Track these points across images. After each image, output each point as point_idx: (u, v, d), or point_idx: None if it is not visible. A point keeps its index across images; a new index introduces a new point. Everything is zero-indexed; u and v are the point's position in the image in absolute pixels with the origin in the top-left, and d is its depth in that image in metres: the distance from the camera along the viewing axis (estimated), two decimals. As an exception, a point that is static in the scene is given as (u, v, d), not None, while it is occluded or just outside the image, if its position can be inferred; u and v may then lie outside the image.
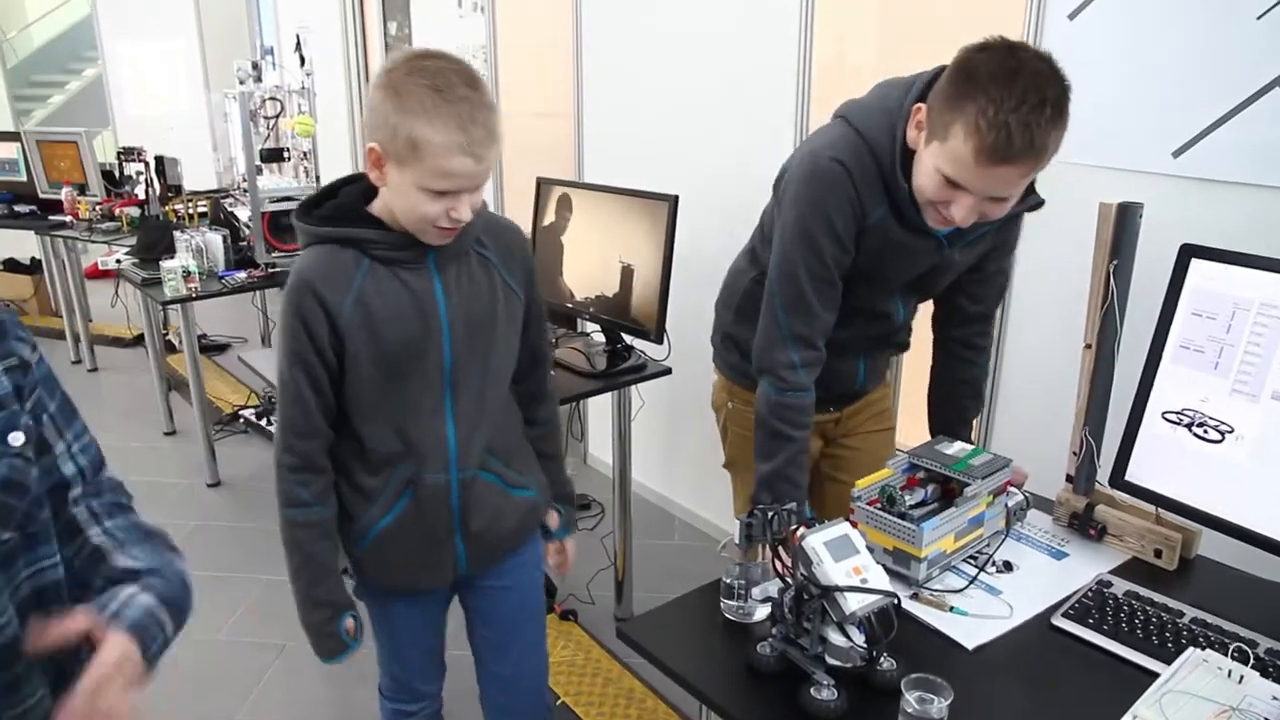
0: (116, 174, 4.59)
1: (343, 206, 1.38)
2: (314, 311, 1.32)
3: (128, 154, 4.42)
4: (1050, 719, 1.15)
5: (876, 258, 1.52)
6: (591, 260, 2.48)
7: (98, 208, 4.46)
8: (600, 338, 2.57)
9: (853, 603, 1.10)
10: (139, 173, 4.30)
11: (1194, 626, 1.28)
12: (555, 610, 2.71)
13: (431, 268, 1.37)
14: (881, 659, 1.18)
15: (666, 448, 3.34)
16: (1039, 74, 1.26)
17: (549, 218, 2.60)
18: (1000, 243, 1.64)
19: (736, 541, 1.27)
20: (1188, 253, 1.39)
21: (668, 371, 2.45)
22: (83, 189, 4.57)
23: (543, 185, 2.62)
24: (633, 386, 2.53)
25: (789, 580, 1.20)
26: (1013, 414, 2.21)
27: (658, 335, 2.26)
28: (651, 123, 3.12)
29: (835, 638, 1.14)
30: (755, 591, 1.25)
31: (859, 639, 1.12)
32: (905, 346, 1.83)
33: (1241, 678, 1.09)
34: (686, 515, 3.32)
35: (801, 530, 1.16)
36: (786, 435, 1.53)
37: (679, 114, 3.00)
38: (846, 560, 1.14)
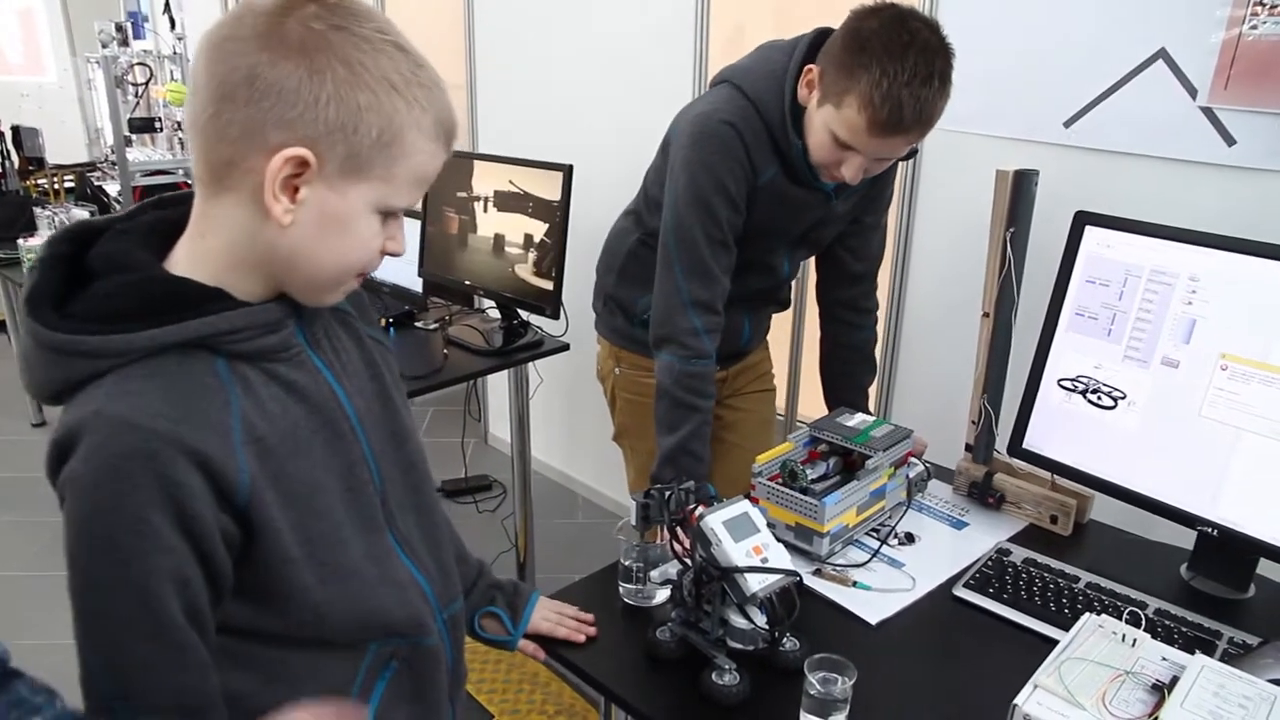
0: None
1: (143, 284, 0.79)
2: (189, 489, 0.75)
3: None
4: (954, 691, 1.13)
5: (768, 215, 1.50)
6: (485, 234, 2.38)
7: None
8: (497, 314, 2.47)
9: (754, 584, 1.06)
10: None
11: (1089, 591, 1.29)
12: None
13: (306, 348, 0.88)
14: (785, 639, 1.14)
15: (568, 425, 3.27)
16: (928, 46, 1.28)
17: (447, 190, 2.48)
18: (877, 193, 1.65)
19: (633, 523, 1.21)
20: (1082, 220, 1.39)
21: (565, 348, 2.38)
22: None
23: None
24: (530, 364, 2.44)
25: (688, 562, 1.15)
26: (912, 384, 2.21)
27: (554, 310, 2.19)
28: (547, 93, 3.02)
29: (736, 620, 1.10)
30: (654, 574, 1.19)
31: (760, 620, 1.08)
32: (786, 304, 1.82)
33: (1135, 641, 1.09)
34: (589, 493, 3.26)
35: (700, 510, 1.11)
36: (691, 405, 1.48)
37: (575, 84, 2.91)
38: (746, 540, 1.09)
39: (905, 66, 1.25)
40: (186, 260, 0.82)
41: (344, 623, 0.90)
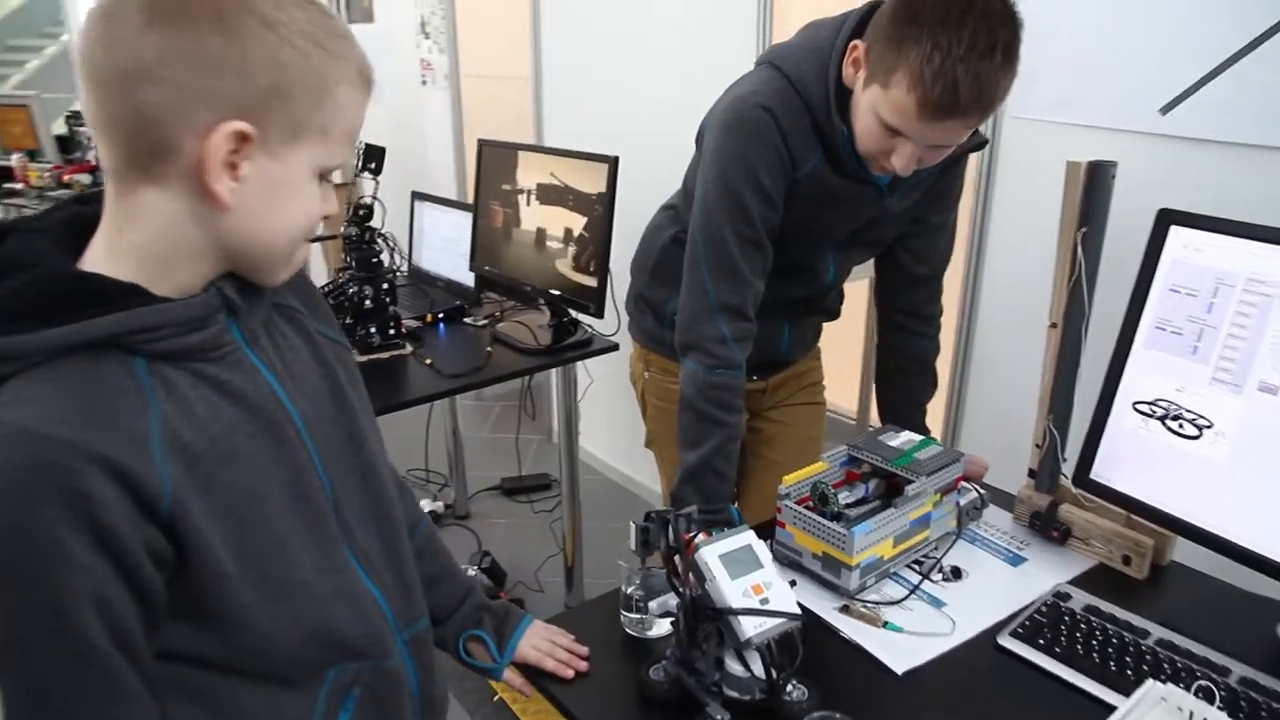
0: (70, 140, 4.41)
1: (44, 282, 0.72)
2: (101, 501, 0.67)
3: (76, 119, 4.23)
4: (984, 761, 0.99)
5: (810, 212, 1.36)
6: (528, 228, 2.30)
7: (48, 174, 4.27)
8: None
9: (748, 627, 0.93)
10: (89, 138, 4.11)
11: (1159, 649, 1.12)
12: (502, 598, 2.55)
13: (243, 346, 0.80)
14: (790, 687, 1.01)
15: (630, 426, 3.16)
16: (990, 14, 1.11)
17: (493, 183, 2.41)
18: (943, 190, 1.48)
19: (632, 548, 1.10)
20: (1166, 219, 1.21)
21: (614, 348, 2.28)
22: (34, 155, 4.38)
23: (484, 149, 2.43)
24: (579, 364, 2.35)
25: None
26: (984, 401, 2.03)
27: (598, 308, 2.09)
28: (613, 85, 2.93)
29: (733, 665, 0.98)
30: (653, 605, 1.08)
31: (758, 668, 0.96)
32: (834, 314, 1.66)
33: (1206, 720, 0.93)
34: (651, 496, 3.15)
35: (699, 539, 0.99)
36: (716, 419, 1.35)
37: (638, 75, 2.80)
38: (746, 576, 0.97)
39: (962, 38, 1.09)
40: (103, 257, 0.75)
41: (294, 642, 0.82)
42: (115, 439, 0.69)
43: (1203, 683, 1.03)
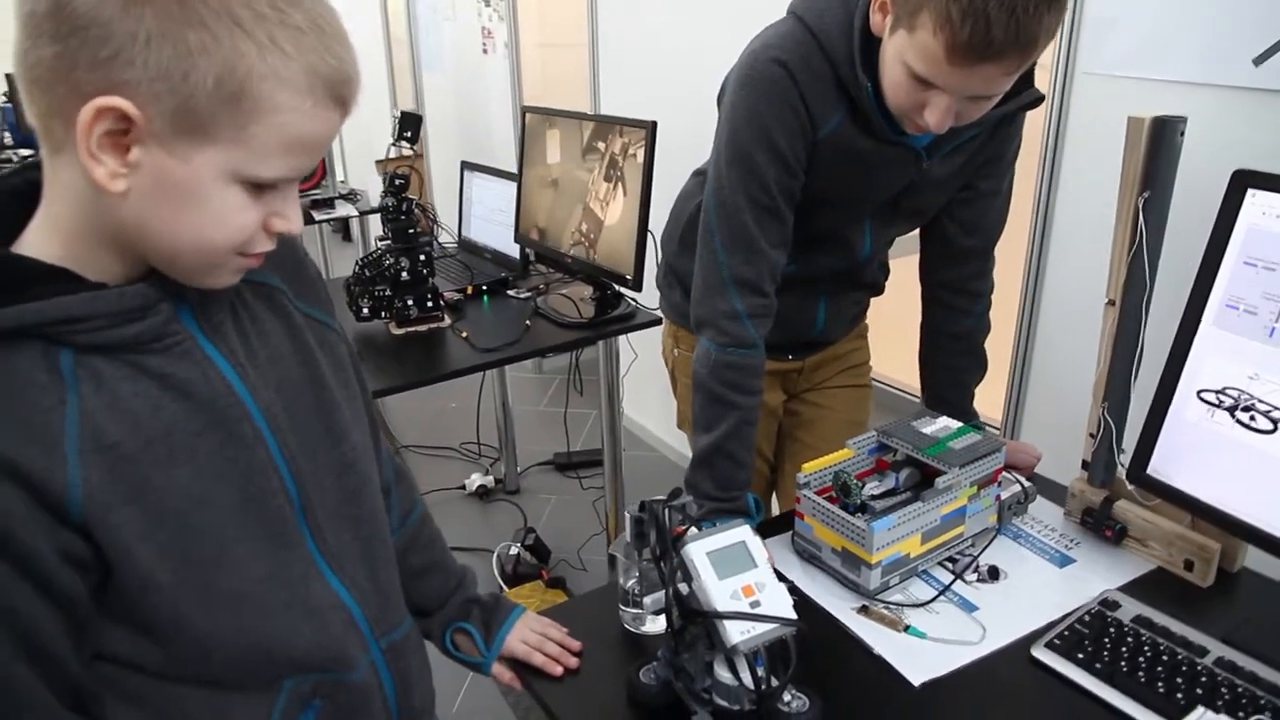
0: None
1: None
2: (3, 505, 0.63)
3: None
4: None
5: (835, 177, 1.24)
6: (569, 198, 2.22)
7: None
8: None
9: (734, 633, 0.85)
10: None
11: (1217, 670, 0.99)
12: (543, 577, 2.52)
13: (198, 335, 0.73)
14: (790, 697, 0.93)
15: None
16: None
17: (536, 152, 2.34)
18: (994, 153, 1.33)
19: (629, 540, 1.03)
20: (1242, 181, 1.06)
21: (658, 321, 2.19)
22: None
23: (528, 116, 2.36)
24: (622, 338, 2.28)
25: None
26: (1046, 385, 1.88)
27: (636, 281, 2.00)
28: (668, 54, 2.81)
29: (721, 672, 0.89)
30: (647, 601, 1.00)
31: (747, 676, 0.87)
32: (877, 289, 1.54)
33: (1263, 759, 0.81)
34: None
35: (690, 533, 0.91)
36: (729, 401, 1.26)
37: (698, 43, 2.68)
38: (736, 576, 0.88)
39: None
40: (36, 232, 0.69)
41: (236, 657, 0.76)
42: (19, 437, 0.64)
43: (1262, 718, 0.90)
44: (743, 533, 0.92)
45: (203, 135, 0.63)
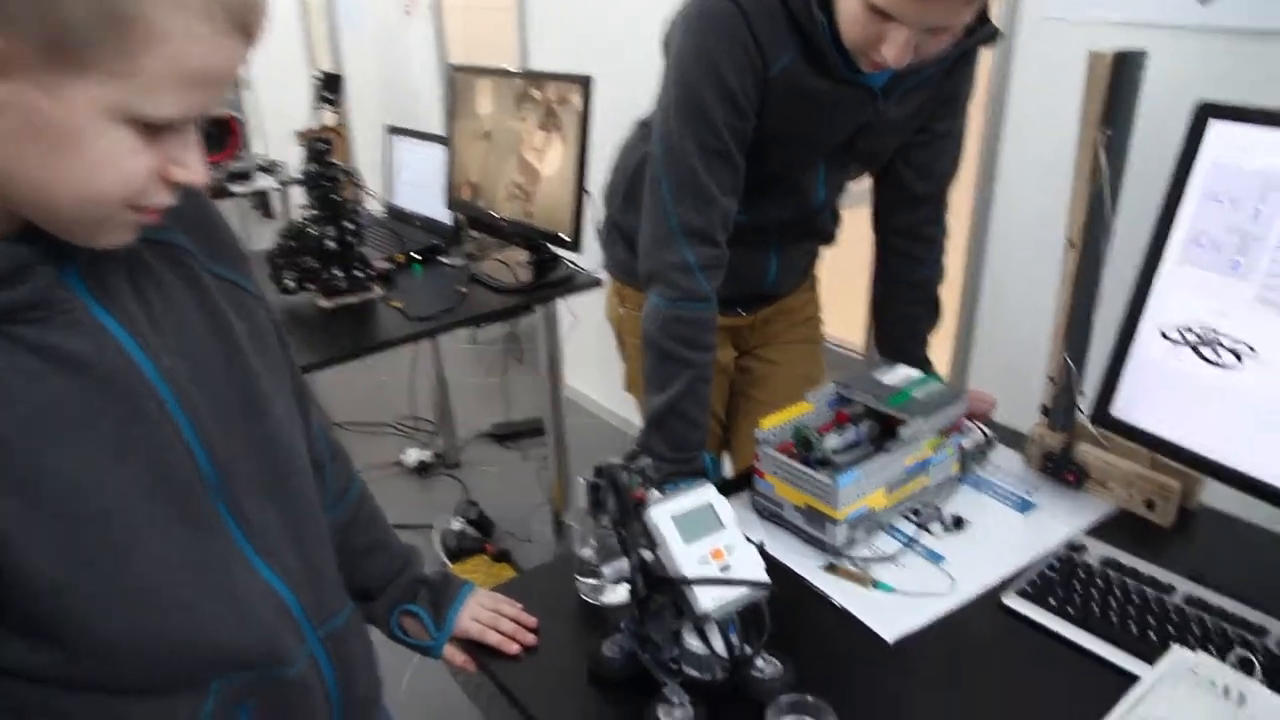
0: None
1: None
2: None
3: None
4: (984, 744, 0.85)
5: (787, 118, 1.19)
6: (502, 157, 2.13)
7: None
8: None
9: (705, 600, 0.80)
10: None
11: (1186, 608, 0.98)
12: (488, 550, 2.45)
13: (88, 301, 0.65)
14: (761, 661, 0.88)
15: (622, 366, 3.02)
16: None
17: (466, 113, 2.24)
18: (949, 93, 1.29)
19: (583, 506, 0.97)
20: (1206, 113, 1.04)
21: (598, 283, 2.13)
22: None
23: (456, 76, 2.25)
24: (561, 302, 2.21)
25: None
26: (995, 331, 1.87)
27: (575, 242, 1.93)
28: (597, 8, 2.72)
29: (691, 641, 0.85)
30: (607, 570, 0.95)
31: (719, 644, 0.82)
32: (829, 238, 1.49)
33: (1242, 697, 0.79)
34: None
35: (653, 497, 0.85)
36: (681, 358, 1.21)
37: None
38: (703, 539, 0.83)
39: None
40: None
41: (152, 660, 0.68)
42: None
43: (1240, 651, 0.89)
44: (708, 494, 0.87)
45: (80, 66, 0.54)
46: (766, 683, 0.86)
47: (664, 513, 0.83)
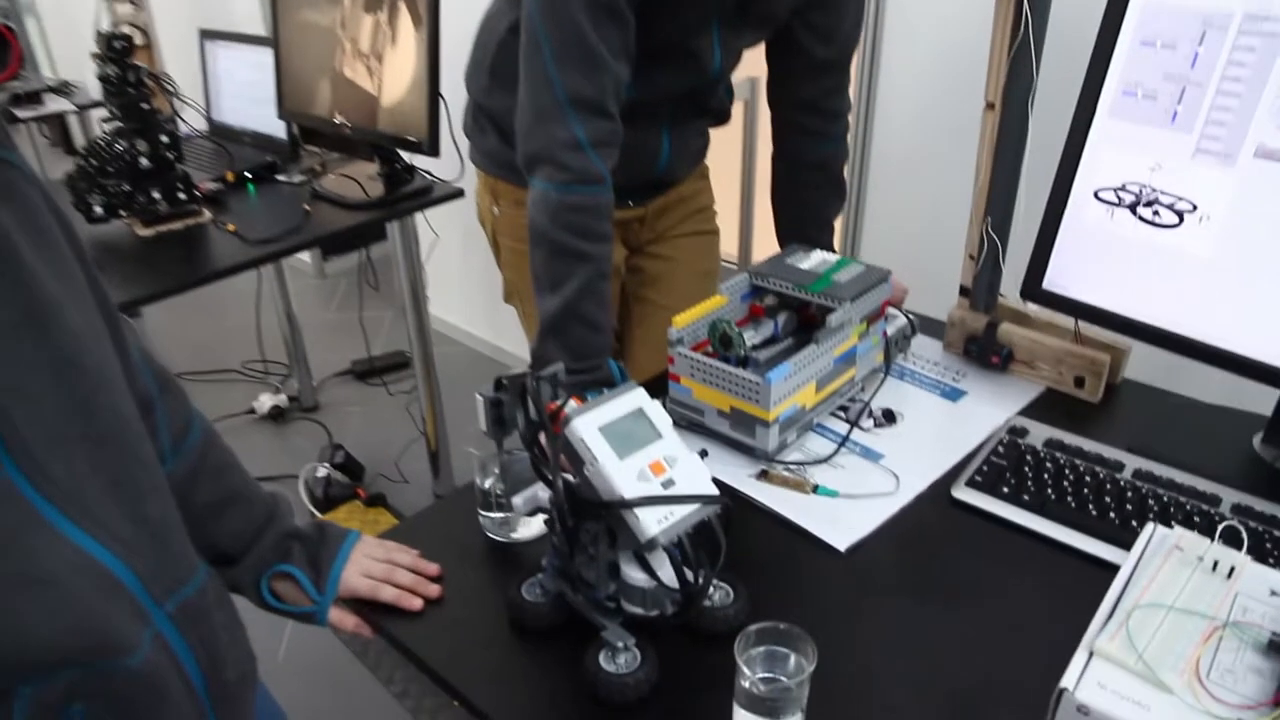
0: None
1: None
2: None
3: None
4: (962, 651, 0.77)
5: None
6: (346, 56, 1.87)
7: None
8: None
9: (650, 522, 0.66)
10: None
11: (1138, 484, 0.92)
12: (360, 495, 2.26)
13: None
14: (712, 590, 0.77)
15: (488, 284, 2.82)
16: None
17: (293, 6, 1.96)
18: None
19: (483, 428, 0.81)
20: (1136, -52, 0.94)
21: (459, 194, 1.93)
22: None
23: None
24: (420, 217, 2.00)
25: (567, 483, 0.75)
26: (883, 210, 1.79)
27: (431, 145, 1.72)
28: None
29: (632, 574, 0.71)
30: (517, 501, 0.80)
31: (667, 574, 0.69)
32: (723, 116, 1.35)
33: (1232, 569, 0.73)
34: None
35: (571, 407, 0.71)
36: (577, 252, 1.05)
37: None
38: (639, 452, 0.69)
39: None
40: None
41: None
42: None
43: (1231, 521, 0.83)
44: (637, 398, 0.73)
45: None
46: (722, 614, 0.75)
47: (589, 423, 0.69)
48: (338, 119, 1.92)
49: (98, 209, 1.72)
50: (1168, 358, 0.99)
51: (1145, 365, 1.14)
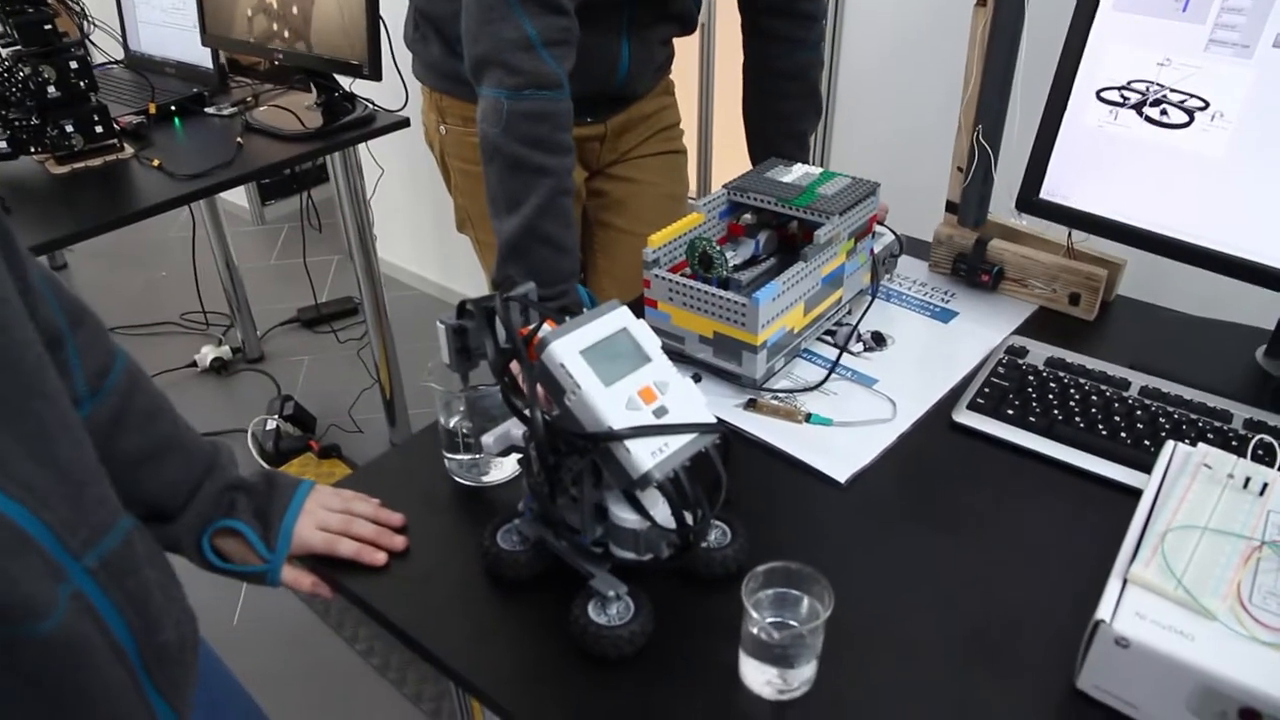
0: None
1: None
2: None
3: None
4: (980, 586, 0.71)
5: None
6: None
7: None
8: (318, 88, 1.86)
9: (643, 456, 0.59)
10: None
11: (1146, 402, 0.87)
12: (313, 448, 2.15)
13: None
14: (710, 531, 0.70)
15: (438, 221, 2.70)
16: None
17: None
18: None
19: (445, 360, 0.73)
20: None
21: (404, 123, 1.80)
22: None
23: None
24: (363, 149, 1.87)
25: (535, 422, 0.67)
26: (856, 124, 1.71)
27: (373, 69, 1.59)
28: None
29: (622, 514, 0.64)
30: (488, 440, 0.72)
31: (662, 513, 0.62)
32: (689, 23, 1.25)
33: (1265, 486, 0.68)
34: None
35: (545, 331, 0.62)
36: (535, 165, 0.96)
37: None
38: (627, 378, 0.62)
39: None
40: None
41: None
42: None
43: (1265, 438, 0.78)
44: (621, 317, 0.65)
45: None
46: (719, 555, 0.68)
47: (568, 347, 0.60)
48: (269, 45, 1.77)
49: (1, 144, 1.57)
50: (1151, 272, 0.93)
51: (1129, 281, 1.09)
